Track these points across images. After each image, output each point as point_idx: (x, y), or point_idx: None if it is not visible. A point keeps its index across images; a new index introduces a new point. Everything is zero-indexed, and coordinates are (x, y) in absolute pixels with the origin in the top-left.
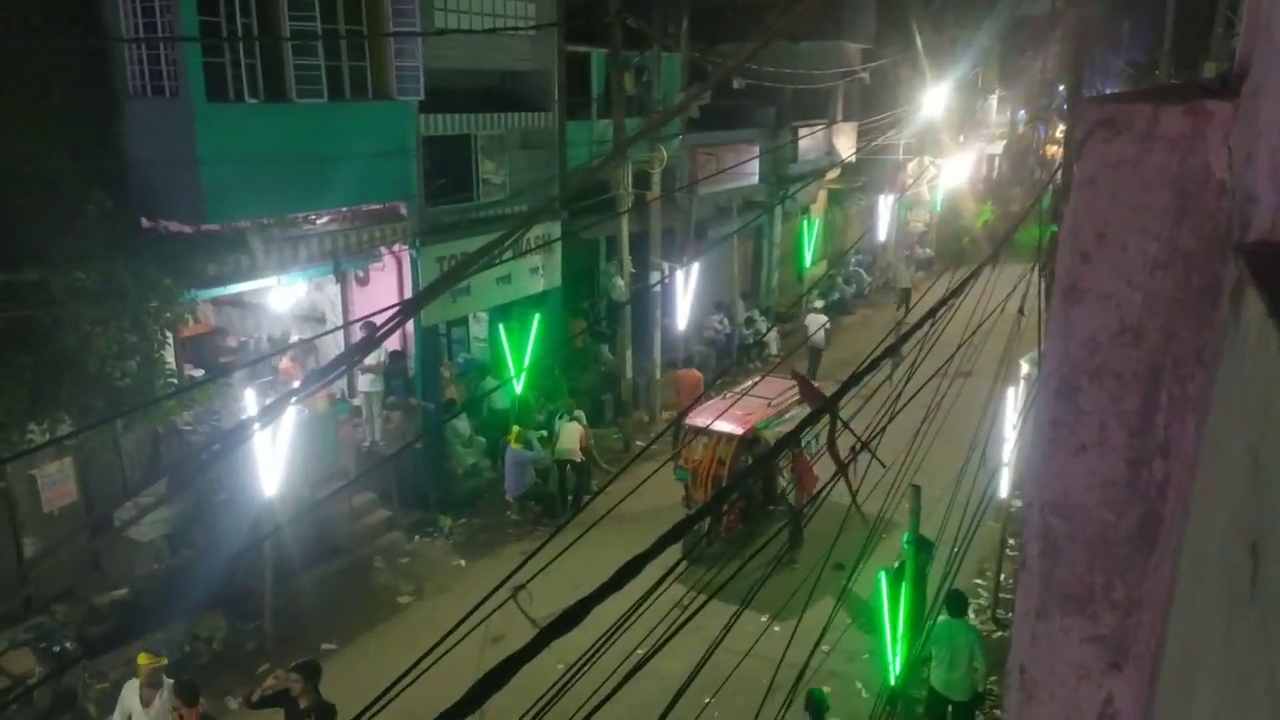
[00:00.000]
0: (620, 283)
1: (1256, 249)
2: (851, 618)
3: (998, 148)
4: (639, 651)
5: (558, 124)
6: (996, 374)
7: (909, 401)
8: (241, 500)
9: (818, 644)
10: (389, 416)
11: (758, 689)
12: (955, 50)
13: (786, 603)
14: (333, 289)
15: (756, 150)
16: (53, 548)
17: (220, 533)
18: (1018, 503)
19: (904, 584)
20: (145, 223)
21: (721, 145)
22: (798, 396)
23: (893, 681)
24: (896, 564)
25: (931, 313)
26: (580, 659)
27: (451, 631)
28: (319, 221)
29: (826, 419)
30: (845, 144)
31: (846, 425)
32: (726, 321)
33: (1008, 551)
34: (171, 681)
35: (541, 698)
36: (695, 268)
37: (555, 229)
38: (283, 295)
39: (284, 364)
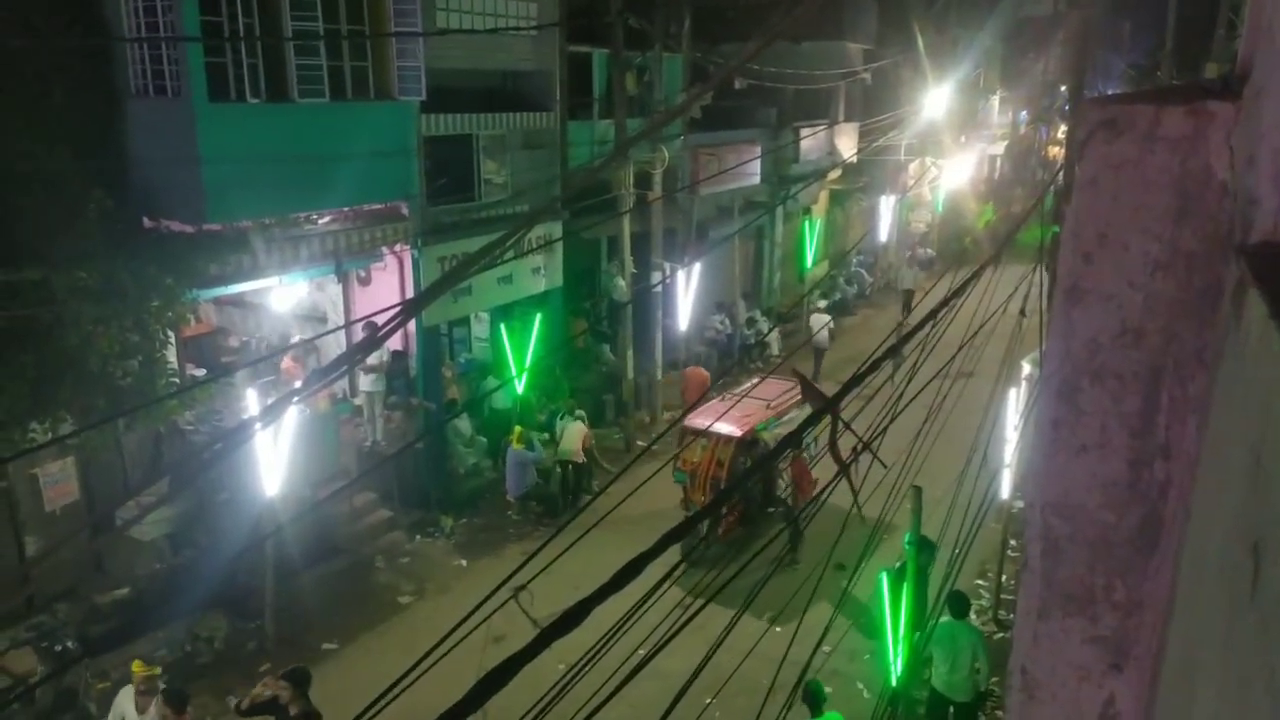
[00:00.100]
0: (621, 283)
1: (1258, 250)
2: (851, 620)
3: (999, 148)
4: (640, 651)
5: (559, 124)
6: (998, 375)
7: (910, 402)
8: (243, 500)
9: (819, 644)
10: (390, 416)
11: (759, 689)
12: (957, 51)
13: (788, 603)
14: (334, 289)
15: (758, 150)
16: (54, 547)
17: (221, 532)
18: (1019, 504)
19: (905, 584)
20: (147, 222)
21: (723, 145)
22: (797, 398)
23: (894, 682)
24: (898, 564)
25: (933, 313)
26: (581, 659)
27: (453, 631)
28: (320, 221)
29: (828, 420)
30: (847, 144)
31: (848, 426)
32: (728, 322)
33: (1009, 552)
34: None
35: (543, 697)
36: (697, 268)
37: (557, 229)
38: (284, 295)
39: (286, 364)
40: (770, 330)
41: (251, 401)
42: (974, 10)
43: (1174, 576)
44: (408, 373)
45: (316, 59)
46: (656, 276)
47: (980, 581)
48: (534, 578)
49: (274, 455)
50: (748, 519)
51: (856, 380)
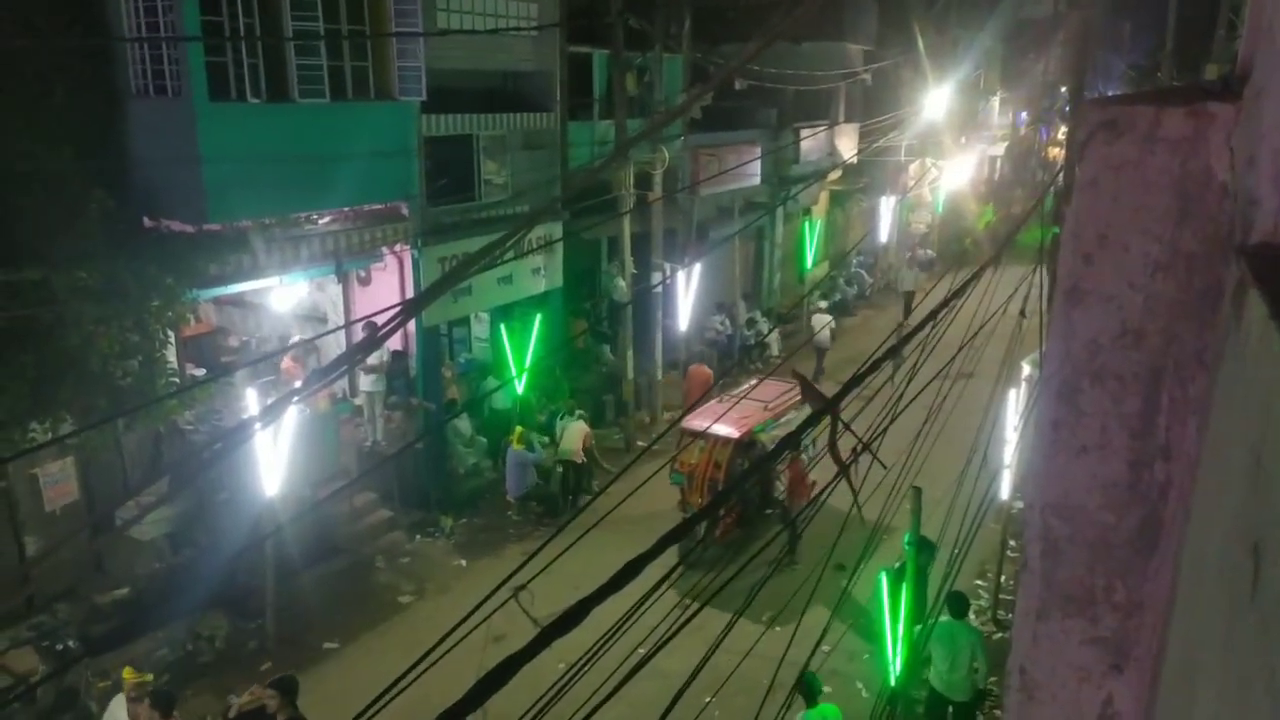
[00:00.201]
0: (622, 283)
1: (1258, 251)
2: (850, 622)
3: (1000, 149)
4: (640, 651)
5: (559, 124)
6: (998, 376)
7: (910, 403)
8: (243, 499)
9: (818, 644)
10: (390, 416)
11: (758, 689)
12: (957, 52)
13: (787, 603)
14: (334, 289)
15: (758, 151)
16: (54, 547)
17: (222, 532)
18: (1019, 504)
19: (905, 584)
20: (147, 222)
21: (723, 146)
22: (795, 400)
23: (893, 682)
24: (897, 565)
25: (933, 314)
26: (581, 658)
27: (453, 631)
28: (321, 221)
29: (828, 421)
30: (847, 145)
31: (848, 427)
32: (728, 322)
33: (1008, 553)
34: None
35: (543, 697)
36: (697, 268)
37: (557, 229)
38: (284, 295)
39: (286, 364)
40: (770, 331)
41: (251, 401)
42: (974, 11)
43: (1174, 577)
44: (408, 373)
45: (317, 59)
46: (657, 277)
47: (979, 582)
48: (534, 577)
49: (274, 455)
50: (745, 521)
51: (856, 381)
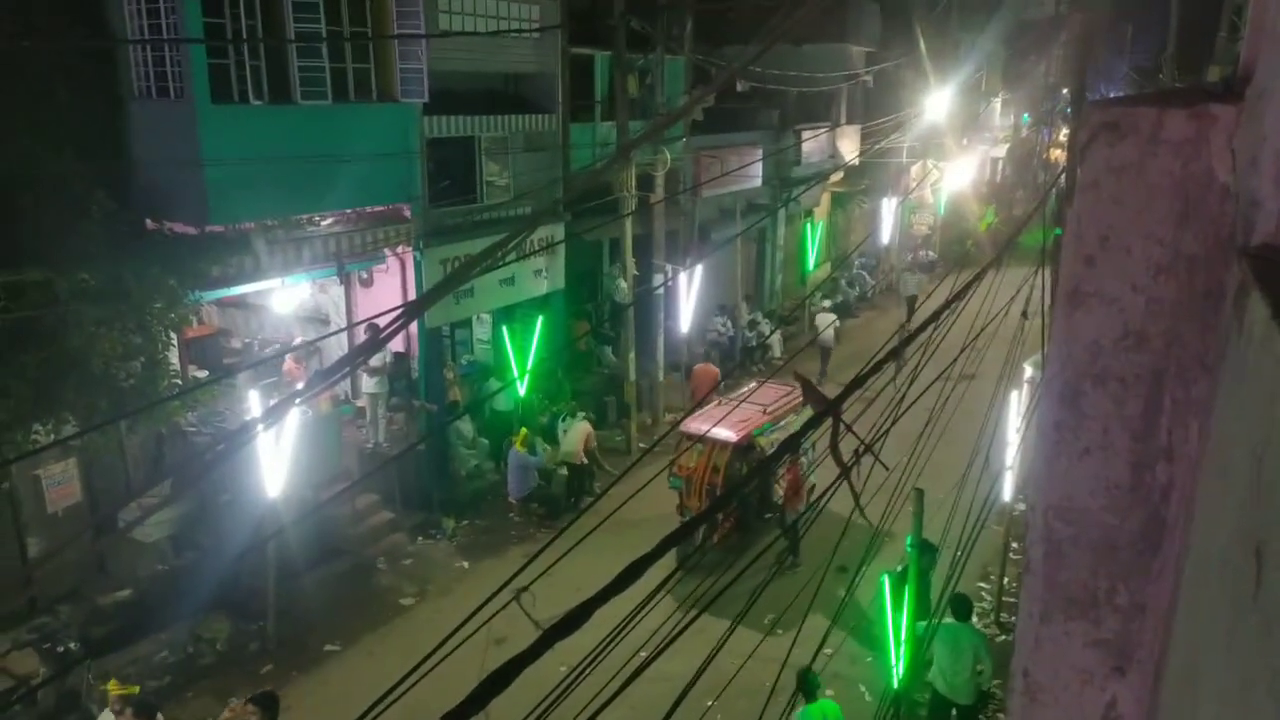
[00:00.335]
0: (623, 285)
1: (1260, 253)
2: (851, 626)
3: (1001, 151)
4: (641, 654)
5: (561, 126)
6: (1000, 377)
7: (912, 405)
8: (245, 501)
9: (820, 646)
10: (392, 418)
11: (761, 691)
12: (959, 54)
13: (789, 605)
14: (337, 290)
15: (760, 153)
16: (57, 548)
17: (224, 534)
18: (1021, 506)
19: (907, 587)
20: (149, 224)
21: (725, 148)
22: (794, 403)
23: (896, 685)
24: (899, 567)
25: (934, 316)
26: (583, 661)
27: (454, 633)
28: (323, 223)
29: (829, 422)
30: (849, 147)
31: (849, 428)
32: (729, 324)
33: (1011, 555)
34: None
35: (545, 699)
36: (698, 270)
37: (559, 231)
38: (287, 297)
39: (288, 365)
40: (772, 332)
41: (253, 403)
42: (976, 13)
43: (1176, 579)
44: (410, 374)
45: (319, 61)
46: (658, 279)
47: (982, 584)
48: (535, 579)
49: (276, 457)
50: (743, 525)
51: (858, 382)
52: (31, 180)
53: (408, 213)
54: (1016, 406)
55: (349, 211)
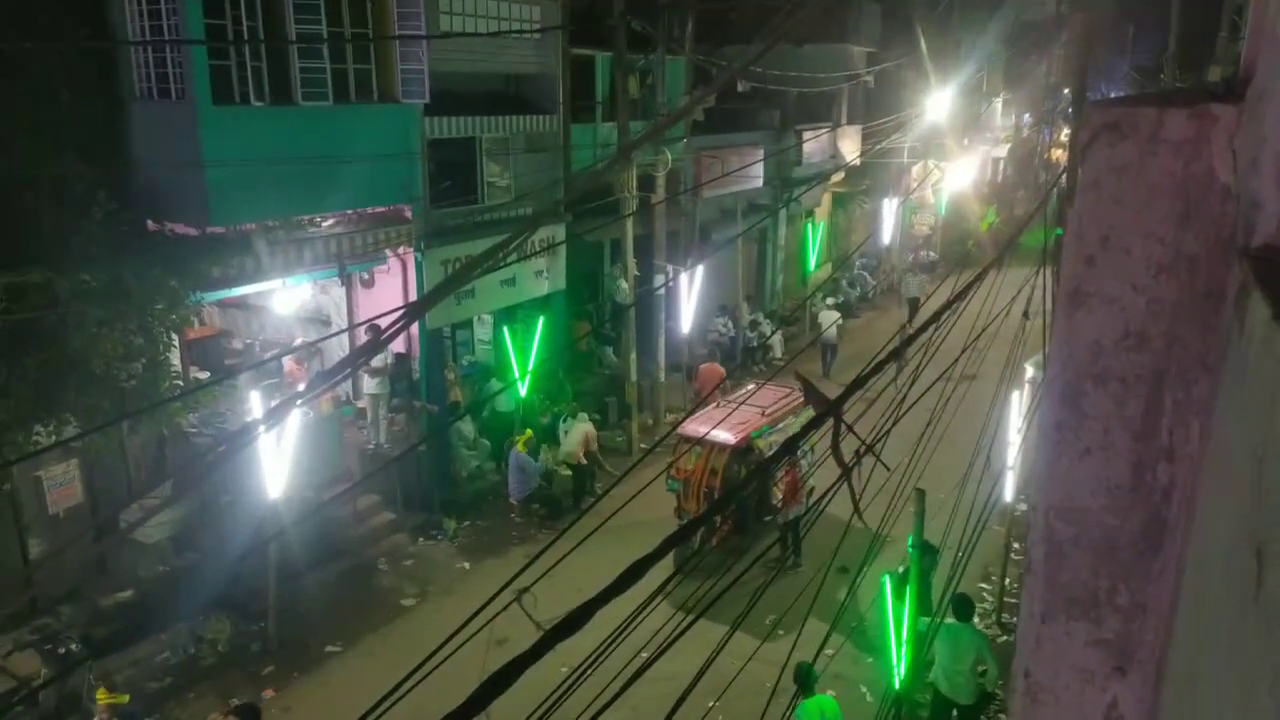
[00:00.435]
0: (624, 285)
1: (1261, 253)
2: (850, 630)
3: (1002, 151)
4: (643, 654)
5: (562, 127)
6: (1001, 378)
7: (913, 405)
8: (246, 502)
9: (822, 647)
10: (394, 419)
11: (762, 692)
12: (960, 54)
13: (790, 606)
14: (338, 291)
15: (761, 153)
16: (58, 550)
17: (225, 535)
18: (1023, 506)
19: (909, 587)
20: (151, 225)
21: (726, 148)
22: (792, 405)
23: (897, 685)
24: (901, 568)
25: (936, 317)
26: (584, 662)
27: (456, 634)
28: (324, 224)
29: (830, 424)
30: (850, 147)
31: (850, 429)
32: (730, 324)
33: (1012, 555)
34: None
35: (546, 700)
36: (699, 271)
37: (560, 232)
38: (288, 298)
39: (289, 366)
40: (773, 333)
41: (255, 404)
42: (976, 13)
43: (1177, 579)
44: (411, 375)
45: (320, 62)
46: (659, 279)
47: (984, 585)
48: (537, 580)
49: (277, 458)
50: (742, 527)
51: (859, 383)
52: (33, 181)
53: (409, 213)
54: (1018, 407)
55: (350, 212)
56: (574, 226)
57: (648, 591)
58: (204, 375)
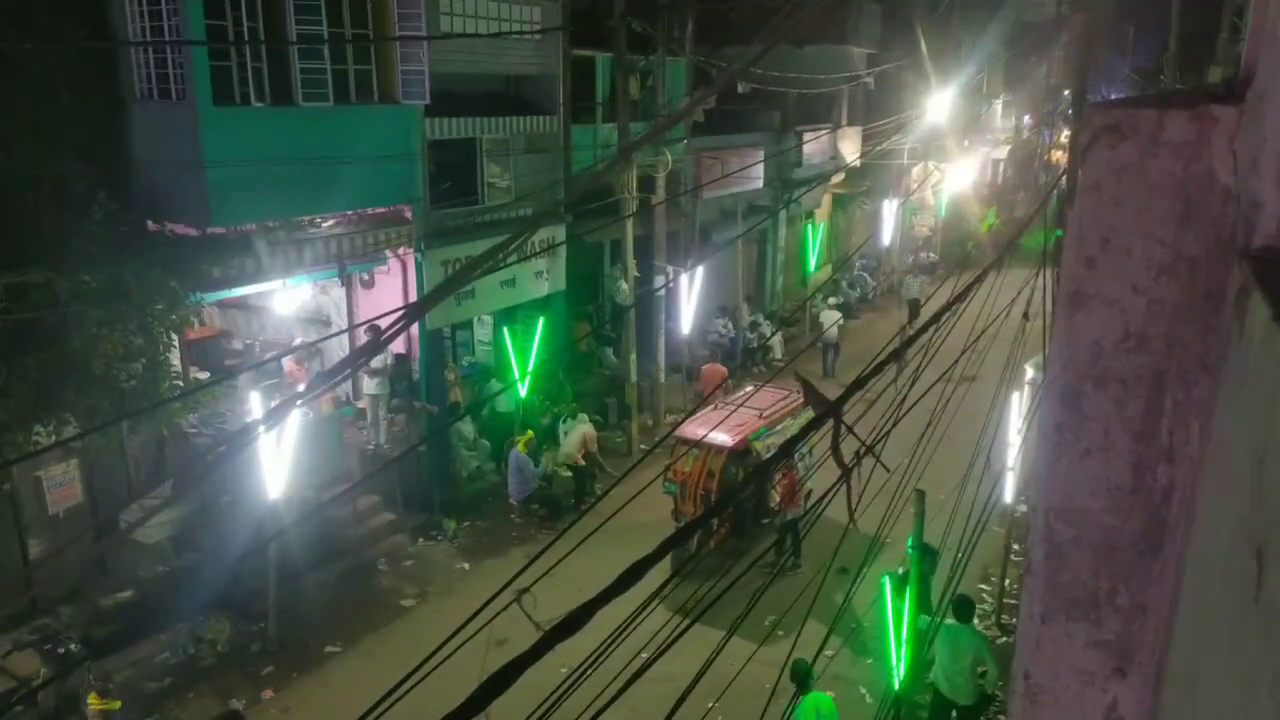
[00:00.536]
0: (624, 286)
1: (1261, 254)
2: (853, 627)
3: (1003, 152)
4: (643, 655)
5: (563, 128)
6: (1001, 379)
7: (913, 406)
8: (246, 503)
9: (822, 647)
10: (393, 419)
11: (761, 693)
12: (960, 55)
13: (790, 607)
14: (338, 292)
15: (761, 154)
16: (58, 550)
17: (225, 535)
18: (1023, 508)
19: (909, 589)
20: (151, 225)
21: (726, 149)
22: (790, 407)
23: (896, 686)
24: (901, 569)
25: (936, 318)
26: (584, 662)
27: (455, 634)
28: (324, 224)
29: (829, 425)
30: (850, 148)
31: (850, 430)
32: (730, 325)
33: (1012, 556)
34: None
35: (546, 700)
36: (699, 271)
37: (560, 232)
38: (288, 298)
39: (290, 367)
40: (773, 334)
41: (255, 404)
42: (977, 14)
43: (1177, 580)
44: (411, 376)
45: (320, 62)
46: (659, 280)
47: (983, 586)
48: (537, 581)
49: (277, 458)
50: (739, 530)
51: (859, 384)
52: (33, 181)
53: (409, 214)
54: (1018, 408)
55: (350, 213)
56: (574, 227)
57: (647, 593)
58: (204, 375)
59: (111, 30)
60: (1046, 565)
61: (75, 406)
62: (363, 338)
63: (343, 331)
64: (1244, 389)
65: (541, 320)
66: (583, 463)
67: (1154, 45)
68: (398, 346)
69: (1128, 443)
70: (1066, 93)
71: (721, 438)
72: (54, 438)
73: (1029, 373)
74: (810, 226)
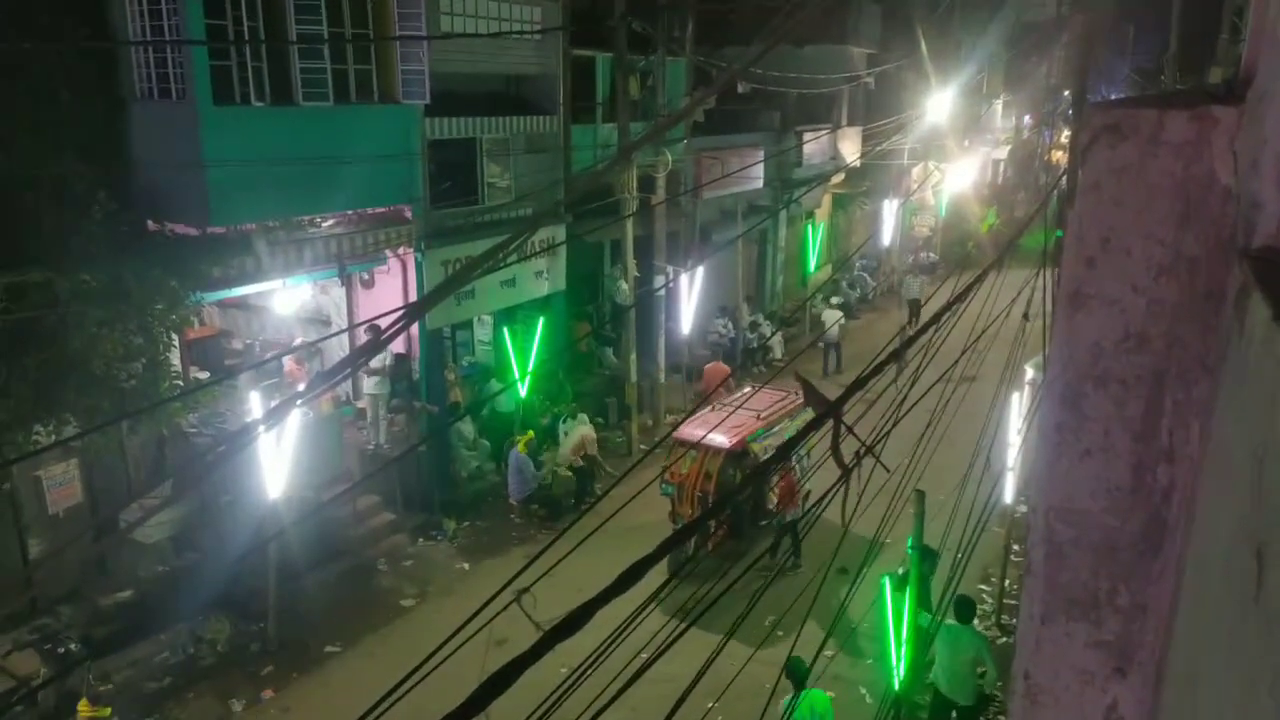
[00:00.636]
0: (624, 286)
1: (1261, 254)
2: (853, 627)
3: (1003, 153)
4: (642, 655)
5: (563, 128)
6: (1001, 379)
7: (913, 406)
8: (246, 502)
9: (821, 648)
10: (393, 419)
11: (761, 693)
12: (960, 55)
13: (790, 607)
14: (338, 292)
15: (761, 154)
16: (58, 550)
17: (225, 535)
18: (1022, 508)
19: (909, 589)
20: (151, 225)
21: (726, 149)
22: (788, 408)
23: (896, 686)
24: (900, 570)
25: (936, 318)
26: (584, 663)
27: (455, 634)
28: (324, 224)
29: (829, 426)
30: (850, 148)
31: (850, 430)
32: (730, 325)
33: (1012, 557)
34: None
35: (546, 700)
36: (699, 272)
37: (560, 232)
38: (288, 298)
39: (290, 367)
40: (773, 334)
41: (255, 404)
42: (977, 14)
43: (1177, 581)
44: (411, 376)
45: (320, 62)
46: (659, 280)
47: (983, 586)
48: (536, 581)
49: (277, 458)
50: (737, 532)
51: (859, 384)
52: (33, 181)
53: (409, 214)
54: (1018, 408)
55: (350, 213)
56: (574, 227)
57: (646, 593)
58: (204, 375)
59: (111, 30)
60: (1046, 565)
61: (75, 406)
62: (363, 337)
63: (343, 331)
64: (1244, 389)
65: (541, 320)
66: (581, 464)
67: (1154, 45)
68: (398, 346)
69: (1128, 443)
70: (1066, 93)
71: (719, 439)
72: (54, 437)
73: (1029, 373)
74: (810, 226)
